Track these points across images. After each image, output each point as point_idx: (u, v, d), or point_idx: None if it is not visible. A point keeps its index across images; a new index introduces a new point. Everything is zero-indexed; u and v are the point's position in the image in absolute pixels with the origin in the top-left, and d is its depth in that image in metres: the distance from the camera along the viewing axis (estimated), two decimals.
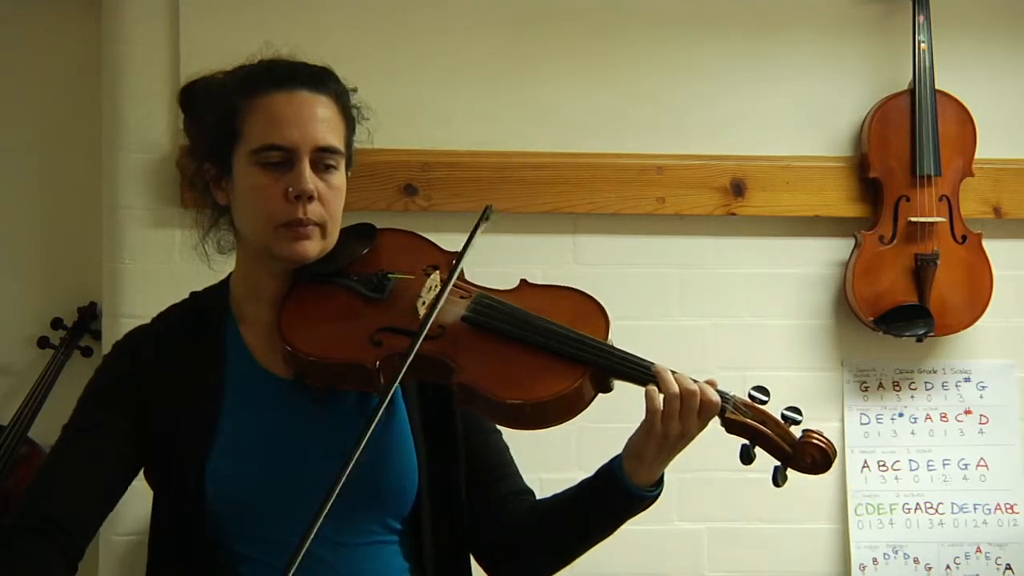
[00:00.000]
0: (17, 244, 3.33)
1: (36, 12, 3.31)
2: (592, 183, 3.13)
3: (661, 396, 1.72)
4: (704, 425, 1.74)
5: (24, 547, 1.69)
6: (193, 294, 1.92)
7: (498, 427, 1.92)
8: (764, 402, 1.77)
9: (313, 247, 1.78)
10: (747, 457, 1.75)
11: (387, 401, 1.64)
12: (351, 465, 1.57)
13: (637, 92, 3.18)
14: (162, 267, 3.00)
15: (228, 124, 1.78)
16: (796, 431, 1.76)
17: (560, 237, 3.14)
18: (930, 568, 3.18)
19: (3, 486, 3.12)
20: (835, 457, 1.75)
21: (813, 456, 1.74)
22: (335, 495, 1.55)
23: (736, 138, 3.19)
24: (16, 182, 3.32)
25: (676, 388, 1.72)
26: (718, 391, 1.75)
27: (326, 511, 1.55)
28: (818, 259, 3.22)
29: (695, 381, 1.75)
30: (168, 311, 1.91)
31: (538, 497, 1.94)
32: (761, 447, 1.75)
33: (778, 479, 1.75)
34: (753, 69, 3.22)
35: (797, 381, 3.19)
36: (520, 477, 1.94)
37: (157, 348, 1.83)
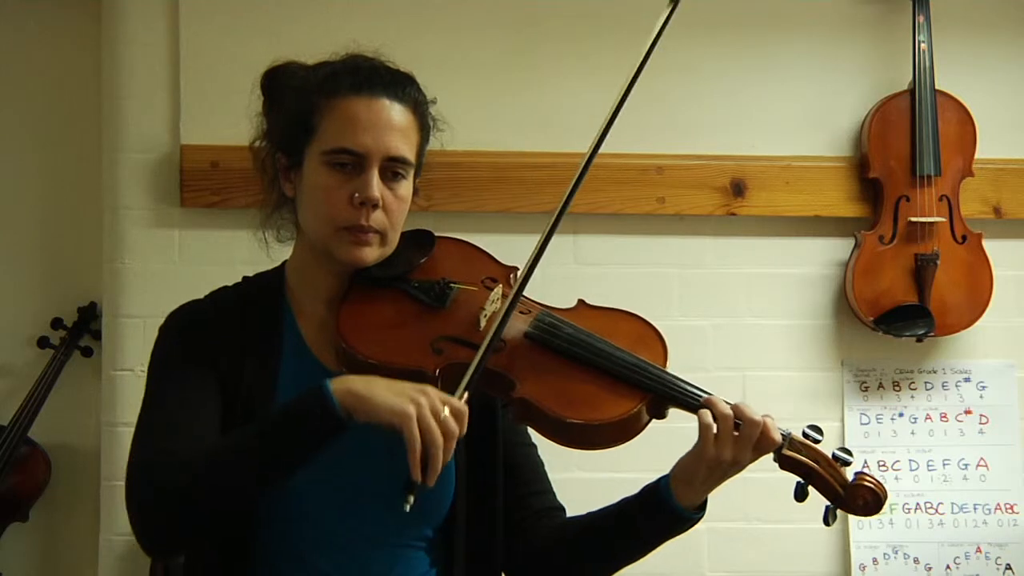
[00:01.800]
0: (17, 244, 3.33)
1: (36, 12, 3.31)
2: (592, 183, 3.09)
3: (716, 424, 1.72)
4: (757, 458, 1.74)
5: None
6: (246, 279, 1.91)
7: (534, 442, 1.92)
8: (818, 441, 1.77)
9: (371, 253, 1.79)
10: (801, 495, 1.76)
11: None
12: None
13: (637, 92, 3.15)
14: (162, 267, 3.00)
15: (305, 120, 1.78)
16: (848, 472, 1.76)
17: (560, 237, 3.09)
18: (930, 568, 3.19)
19: (3, 486, 3.13)
20: (886, 500, 1.76)
21: (865, 499, 1.75)
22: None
23: (736, 138, 3.19)
24: (16, 182, 3.32)
25: (727, 410, 1.71)
26: (777, 428, 1.74)
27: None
28: (818, 259, 3.22)
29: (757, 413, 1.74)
30: (222, 291, 1.88)
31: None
32: (813, 486, 1.76)
33: (828, 519, 1.76)
34: (753, 69, 3.22)
35: (797, 381, 3.20)
36: (554, 494, 1.94)
37: (218, 323, 1.81)
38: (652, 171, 3.14)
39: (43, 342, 3.26)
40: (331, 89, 1.78)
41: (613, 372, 1.76)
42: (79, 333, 3.27)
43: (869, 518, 3.18)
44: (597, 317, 1.86)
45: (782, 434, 1.74)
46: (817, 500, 3.23)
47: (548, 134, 3.14)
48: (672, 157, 3.16)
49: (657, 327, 1.86)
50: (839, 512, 1.76)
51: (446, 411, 1.57)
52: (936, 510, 3.21)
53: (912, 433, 3.24)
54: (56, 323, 3.27)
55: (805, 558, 3.20)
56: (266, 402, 1.76)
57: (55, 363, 3.20)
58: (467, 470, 1.84)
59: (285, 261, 1.90)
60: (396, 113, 1.80)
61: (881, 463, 3.21)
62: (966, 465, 3.23)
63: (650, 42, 1.79)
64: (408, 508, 1.55)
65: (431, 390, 1.59)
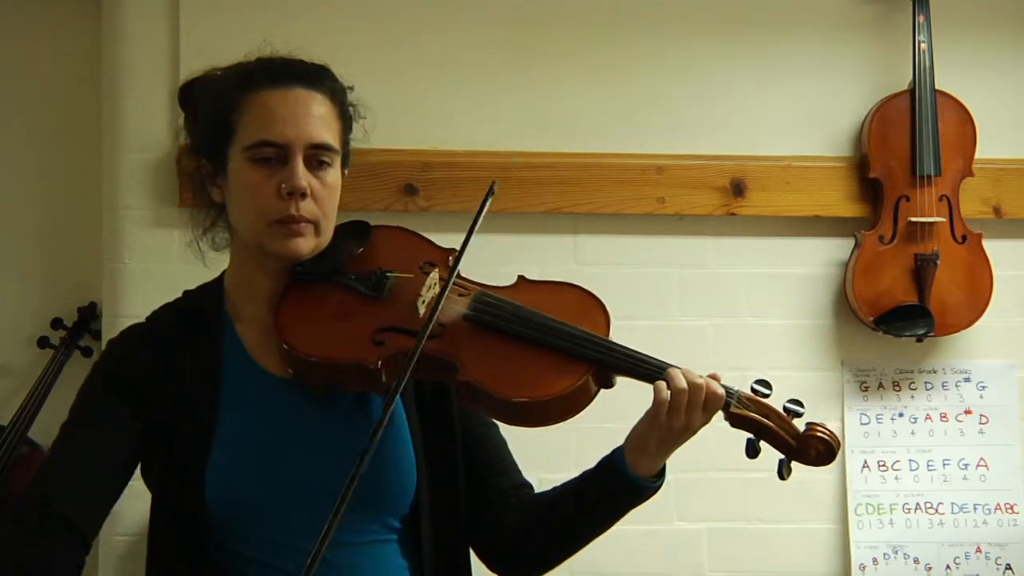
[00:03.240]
0: (17, 244, 3.33)
1: (36, 12, 3.31)
2: (592, 183, 3.13)
3: (669, 391, 1.72)
4: (708, 419, 1.75)
5: (37, 541, 1.68)
6: (187, 292, 1.91)
7: (496, 422, 1.92)
8: (767, 395, 1.77)
9: (306, 244, 1.78)
10: (753, 451, 1.76)
11: (394, 401, 1.63)
12: (364, 462, 1.56)
13: (637, 92, 3.18)
14: (162, 267, 3.00)
15: (223, 120, 1.78)
16: (799, 424, 1.76)
17: (560, 237, 3.14)
18: (930, 568, 3.18)
19: (3, 486, 3.12)
20: (839, 448, 1.76)
21: (817, 449, 1.75)
22: (350, 492, 1.54)
23: (736, 138, 3.19)
24: (16, 182, 3.33)
25: (684, 384, 1.72)
26: (722, 385, 1.75)
27: (342, 511, 1.53)
28: (818, 259, 3.22)
29: (700, 376, 1.75)
30: (162, 309, 1.90)
31: (536, 491, 1.94)
32: (765, 441, 1.75)
33: (783, 472, 1.76)
34: (753, 69, 3.22)
35: (797, 381, 3.19)
36: (518, 471, 1.94)
37: (154, 347, 1.82)
38: (652, 171, 3.14)
39: (43, 342, 3.26)
40: (246, 86, 1.79)
41: (555, 346, 1.75)
42: (79, 333, 3.27)
43: (866, 518, 3.19)
44: (537, 292, 1.85)
45: (728, 391, 1.74)
46: (818, 499, 3.23)
47: (548, 134, 3.14)
48: (672, 157, 3.16)
49: (598, 296, 1.85)
50: (794, 466, 1.75)
51: None
52: (936, 510, 3.21)
53: (912, 433, 3.24)
54: (56, 323, 3.27)
55: (805, 558, 3.19)
56: (208, 415, 1.76)
57: (55, 363, 3.21)
58: (427, 456, 1.83)
59: (225, 271, 1.90)
60: (313, 102, 1.79)
61: (881, 463, 3.21)
62: (966, 465, 3.23)
63: (470, 226, 1.80)
64: None
65: None
